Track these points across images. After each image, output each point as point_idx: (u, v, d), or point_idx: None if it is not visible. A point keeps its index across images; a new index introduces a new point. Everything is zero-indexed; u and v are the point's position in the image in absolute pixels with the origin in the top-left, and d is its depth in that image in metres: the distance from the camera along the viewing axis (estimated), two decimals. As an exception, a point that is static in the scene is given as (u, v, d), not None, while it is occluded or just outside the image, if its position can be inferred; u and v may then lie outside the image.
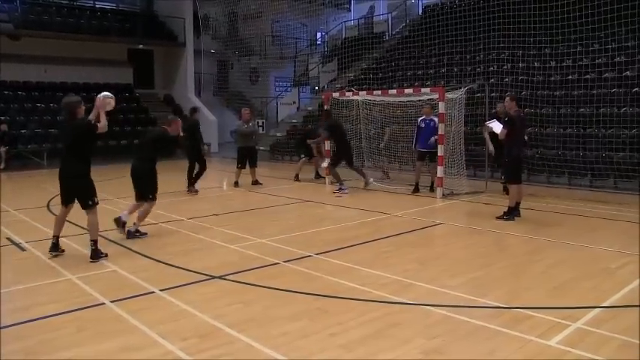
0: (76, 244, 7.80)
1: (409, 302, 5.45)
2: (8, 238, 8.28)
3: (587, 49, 15.71)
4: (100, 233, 7.43)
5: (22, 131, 20.39)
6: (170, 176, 17.29)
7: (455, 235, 8.84)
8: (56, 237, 7.23)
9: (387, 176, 14.76)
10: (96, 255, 7.00)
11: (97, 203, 7.19)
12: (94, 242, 7.03)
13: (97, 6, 26.53)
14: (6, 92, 22.18)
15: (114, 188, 12.44)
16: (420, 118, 12.61)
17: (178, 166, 14.48)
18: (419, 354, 4.33)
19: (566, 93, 15.00)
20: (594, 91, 14.47)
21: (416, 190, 12.55)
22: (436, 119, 12.03)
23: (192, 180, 13.01)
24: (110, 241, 8.01)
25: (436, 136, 11.92)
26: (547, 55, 16.54)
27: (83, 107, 7.35)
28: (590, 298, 5.57)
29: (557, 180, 13.58)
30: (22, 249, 7.74)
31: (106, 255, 7.11)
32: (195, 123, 12.94)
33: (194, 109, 13.58)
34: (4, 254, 7.42)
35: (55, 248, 7.21)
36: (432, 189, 12.51)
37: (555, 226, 9.19)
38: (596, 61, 15.24)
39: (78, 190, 7.08)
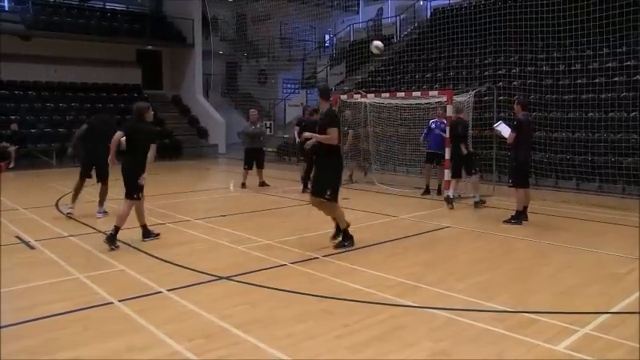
0: (84, 243, 7.84)
1: (415, 305, 5.45)
2: (17, 237, 8.33)
3: (596, 53, 15.65)
4: (108, 232, 7.49)
5: (32, 130, 20.49)
6: (175, 177, 17.38)
7: (461, 238, 8.82)
8: (144, 226, 8.13)
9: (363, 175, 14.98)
10: (147, 235, 8.12)
11: (140, 199, 7.92)
12: (117, 229, 7.60)
13: (106, 7, 26.67)
14: (16, 92, 22.34)
15: (119, 188, 12.46)
16: (432, 120, 12.70)
17: (185, 165, 14.63)
18: (425, 357, 4.33)
19: (575, 97, 14.93)
20: (603, 95, 14.40)
21: (426, 192, 12.59)
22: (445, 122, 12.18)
23: (306, 181, 13.25)
24: (117, 240, 8.03)
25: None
26: (556, 59, 16.48)
27: (151, 112, 8.15)
28: (597, 303, 5.55)
29: (565, 184, 13.52)
30: (31, 247, 7.78)
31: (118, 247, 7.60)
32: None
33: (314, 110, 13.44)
34: (13, 252, 7.48)
35: (149, 235, 8.13)
36: (439, 192, 12.51)
37: (563, 230, 9.16)
38: (606, 65, 15.17)
39: (128, 181, 7.80)
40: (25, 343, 4.57)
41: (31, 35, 22.66)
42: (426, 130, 12.80)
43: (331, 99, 9.02)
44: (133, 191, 7.79)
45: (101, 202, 9.90)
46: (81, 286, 6.04)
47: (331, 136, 7.40)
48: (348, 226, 7.79)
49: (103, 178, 9.87)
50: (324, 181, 7.61)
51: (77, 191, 9.95)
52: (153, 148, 7.69)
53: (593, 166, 12.99)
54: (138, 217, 8.05)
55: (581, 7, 15.86)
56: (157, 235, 8.25)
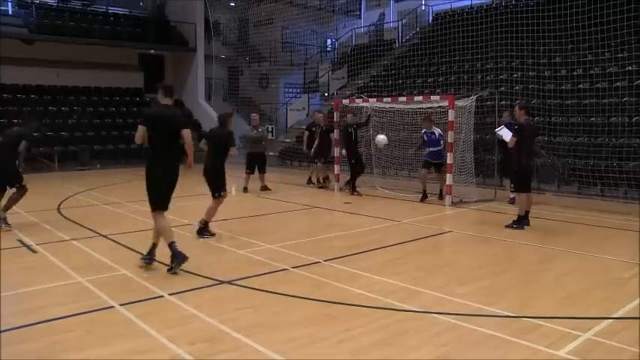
0: (86, 246, 7.84)
1: (417, 310, 5.44)
2: (19, 240, 8.34)
3: (598, 58, 15.67)
4: (110, 236, 7.48)
5: (34, 134, 20.50)
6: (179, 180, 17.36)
7: (463, 243, 8.81)
8: (206, 223, 8.76)
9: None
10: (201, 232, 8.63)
11: (223, 196, 8.68)
12: (206, 223, 8.61)
13: (109, 11, 26.73)
14: (19, 95, 22.41)
15: (122, 192, 12.48)
16: (423, 131, 12.67)
17: (187, 169, 14.39)
18: (427, 362, 4.32)
19: (576, 102, 14.96)
20: (605, 100, 14.42)
21: (424, 197, 12.50)
22: (436, 131, 12.34)
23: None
24: (120, 244, 8.04)
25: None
26: (558, 64, 16.50)
27: (234, 120, 9.03)
28: (600, 308, 5.53)
29: (567, 189, 13.52)
30: (33, 251, 7.79)
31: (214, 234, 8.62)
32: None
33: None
34: (15, 256, 7.49)
35: (204, 231, 8.67)
36: (440, 197, 12.49)
37: (565, 235, 9.15)
38: (607, 70, 15.19)
39: (212, 182, 8.61)
40: (28, 346, 4.57)
41: (34, 39, 22.73)
42: (421, 142, 12.87)
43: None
44: (216, 190, 8.68)
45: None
46: (83, 289, 6.04)
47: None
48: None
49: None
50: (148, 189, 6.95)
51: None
52: (233, 149, 8.67)
53: (595, 171, 12.98)
54: (207, 212, 8.81)
55: (582, 12, 15.89)
56: (213, 234, 8.80)
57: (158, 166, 6.76)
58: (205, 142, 8.99)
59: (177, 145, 6.89)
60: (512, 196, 11.90)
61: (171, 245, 6.64)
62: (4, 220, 9.28)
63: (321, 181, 15.00)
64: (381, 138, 13.21)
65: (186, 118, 6.70)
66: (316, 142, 14.68)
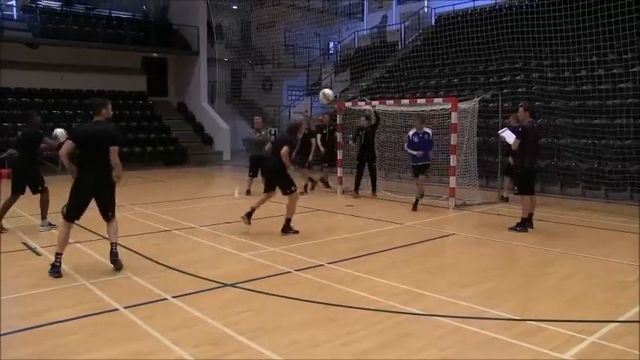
0: (90, 249, 7.86)
1: (420, 312, 5.44)
2: (24, 243, 8.37)
3: (602, 59, 15.64)
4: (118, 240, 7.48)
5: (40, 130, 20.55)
6: (179, 184, 17.42)
7: (466, 245, 8.80)
8: (251, 210, 9.33)
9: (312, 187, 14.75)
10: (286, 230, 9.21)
11: (295, 190, 9.23)
12: (289, 220, 9.23)
13: (112, 15, 26.83)
14: (23, 99, 22.50)
15: (125, 194, 12.49)
16: (412, 132, 11.89)
17: (190, 172, 14.55)
18: (430, 365, 4.32)
19: (581, 103, 14.92)
20: (610, 102, 14.39)
21: (415, 206, 11.61)
22: (429, 131, 11.93)
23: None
24: (123, 247, 8.05)
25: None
26: (561, 65, 16.48)
27: (305, 126, 10.16)
28: (604, 311, 5.51)
29: (571, 191, 13.49)
30: (38, 254, 7.81)
31: (297, 232, 9.18)
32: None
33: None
34: (19, 259, 7.52)
35: (249, 216, 9.26)
36: (414, 206, 11.63)
37: (568, 237, 9.13)
38: (612, 71, 15.16)
39: (279, 181, 9.25)
40: (32, 349, 4.59)
41: (38, 43, 22.84)
42: (407, 145, 11.97)
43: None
44: (287, 187, 9.20)
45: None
46: (87, 292, 6.05)
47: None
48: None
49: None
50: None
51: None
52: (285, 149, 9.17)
53: (600, 173, 12.96)
54: (287, 210, 9.27)
55: (587, 13, 15.86)
56: (297, 231, 9.29)
57: (82, 176, 6.75)
58: (269, 147, 10.03)
59: (105, 159, 6.74)
60: (504, 194, 12.48)
61: (58, 256, 6.65)
62: (49, 223, 9.59)
63: (318, 183, 14.98)
64: (328, 92, 12.75)
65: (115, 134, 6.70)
66: (314, 145, 14.54)
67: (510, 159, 11.54)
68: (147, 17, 27.96)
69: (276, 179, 9.35)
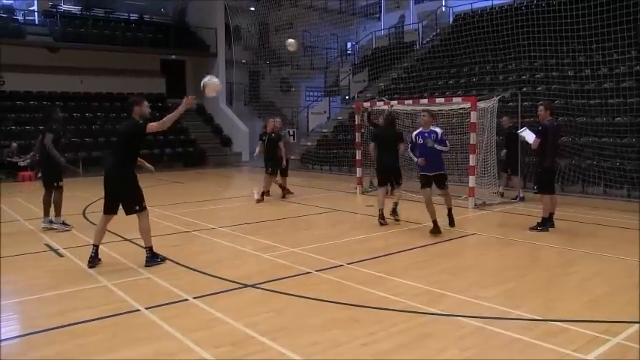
0: (111, 250, 7.93)
1: (441, 313, 5.41)
2: (46, 244, 8.48)
3: (623, 57, 15.44)
4: (135, 240, 7.55)
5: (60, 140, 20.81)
6: (199, 185, 17.51)
7: (487, 245, 8.74)
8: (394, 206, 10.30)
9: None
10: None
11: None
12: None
13: (131, 18, 27.09)
14: (45, 102, 22.77)
15: (145, 196, 12.57)
16: (416, 132, 9.57)
17: (209, 174, 14.58)
18: (452, 365, 4.29)
19: (601, 102, 14.75)
20: (632, 100, 14.20)
21: (436, 228, 9.16)
22: (439, 131, 9.30)
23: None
24: (144, 248, 8.11)
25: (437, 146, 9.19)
26: (581, 64, 16.30)
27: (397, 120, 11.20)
28: (628, 312, 5.42)
29: (592, 190, 13.34)
30: (60, 255, 7.91)
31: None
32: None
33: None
34: (42, 260, 7.63)
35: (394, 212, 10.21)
36: (451, 223, 9.78)
37: (590, 237, 9.02)
38: (635, 68, 14.95)
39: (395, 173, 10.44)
40: (56, 348, 4.64)
41: (59, 47, 23.14)
42: (410, 147, 9.69)
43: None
44: (399, 179, 10.43)
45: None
46: (108, 293, 6.11)
47: None
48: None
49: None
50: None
51: None
52: (402, 145, 10.09)
53: (621, 172, 12.79)
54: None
55: (606, 11, 15.68)
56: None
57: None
58: (374, 145, 10.43)
59: (115, 155, 7.32)
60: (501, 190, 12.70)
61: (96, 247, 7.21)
62: (64, 223, 9.78)
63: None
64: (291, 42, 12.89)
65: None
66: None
67: (503, 152, 12.48)
68: (165, 20, 28.20)
69: (394, 175, 10.43)
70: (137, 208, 7.15)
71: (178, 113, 7.00)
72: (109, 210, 7.17)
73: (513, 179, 12.86)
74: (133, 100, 7.22)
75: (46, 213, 9.74)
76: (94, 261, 7.16)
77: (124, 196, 7.15)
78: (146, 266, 7.15)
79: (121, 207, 7.19)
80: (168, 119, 6.99)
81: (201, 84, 7.35)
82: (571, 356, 4.39)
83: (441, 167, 9.44)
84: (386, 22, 28.96)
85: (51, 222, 9.71)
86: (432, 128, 9.35)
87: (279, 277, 6.64)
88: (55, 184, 9.63)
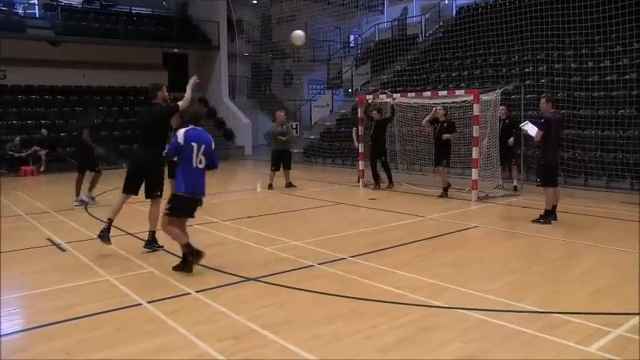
0: (114, 244, 7.93)
1: (444, 306, 5.40)
2: (48, 239, 8.49)
3: (626, 49, 15.36)
4: (138, 234, 7.55)
5: (61, 134, 20.83)
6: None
7: (490, 238, 8.73)
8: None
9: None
10: None
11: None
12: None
13: (132, 11, 27.01)
14: (46, 97, 22.80)
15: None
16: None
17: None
18: (455, 358, 4.29)
19: (605, 94, 14.68)
20: (634, 92, 14.14)
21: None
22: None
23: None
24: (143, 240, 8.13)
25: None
26: (585, 56, 16.22)
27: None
28: (631, 304, 5.41)
29: (595, 182, 13.30)
30: (62, 249, 7.92)
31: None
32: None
33: None
34: (45, 254, 7.64)
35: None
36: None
37: (593, 229, 9.01)
38: (637, 60, 14.88)
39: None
40: (59, 342, 4.65)
41: (60, 41, 23.09)
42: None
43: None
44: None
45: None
46: (111, 287, 6.12)
47: None
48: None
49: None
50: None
51: None
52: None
53: (624, 164, 12.75)
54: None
55: (609, 2, 15.58)
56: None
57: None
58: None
59: (146, 139, 7.77)
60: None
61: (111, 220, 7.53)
62: (92, 198, 11.69)
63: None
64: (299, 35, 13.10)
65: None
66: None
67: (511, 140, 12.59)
68: (167, 13, 28.12)
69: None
70: (158, 193, 7.53)
71: (191, 91, 7.49)
72: (130, 189, 7.54)
73: (512, 170, 12.89)
74: (155, 86, 7.78)
75: (78, 193, 11.52)
76: (105, 234, 7.41)
77: (149, 179, 7.50)
78: (144, 247, 7.54)
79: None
80: (188, 96, 7.44)
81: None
82: (573, 348, 4.39)
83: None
84: (389, 14, 28.82)
85: (82, 201, 11.41)
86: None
87: (281, 271, 6.64)
88: (97, 168, 11.75)
